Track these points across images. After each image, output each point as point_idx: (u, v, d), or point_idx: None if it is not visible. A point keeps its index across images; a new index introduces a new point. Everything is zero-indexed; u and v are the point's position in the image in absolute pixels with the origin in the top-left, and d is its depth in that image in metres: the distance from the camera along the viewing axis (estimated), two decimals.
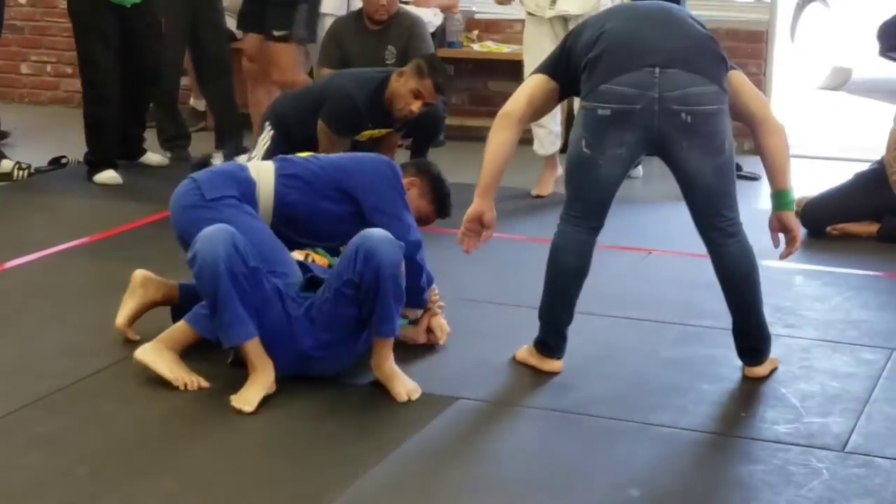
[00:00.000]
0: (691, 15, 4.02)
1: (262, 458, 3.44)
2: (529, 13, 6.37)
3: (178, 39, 6.95)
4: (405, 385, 3.86)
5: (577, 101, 4.25)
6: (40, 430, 3.58)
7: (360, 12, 6.71)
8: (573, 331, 4.47)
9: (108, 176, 6.56)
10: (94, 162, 6.63)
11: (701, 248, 4.02)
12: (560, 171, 6.52)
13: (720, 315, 4.59)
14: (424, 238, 4.28)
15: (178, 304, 4.19)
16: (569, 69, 3.96)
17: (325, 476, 3.34)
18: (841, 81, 10.42)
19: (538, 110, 4.10)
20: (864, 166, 6.03)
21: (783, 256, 4.07)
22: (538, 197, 6.47)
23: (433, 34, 7.01)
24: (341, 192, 4.28)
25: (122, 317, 4.22)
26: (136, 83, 6.70)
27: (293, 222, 4.26)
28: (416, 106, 5.68)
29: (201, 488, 3.28)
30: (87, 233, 5.60)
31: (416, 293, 4.14)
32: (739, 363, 4.12)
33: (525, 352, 4.13)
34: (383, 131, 5.90)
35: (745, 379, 4.01)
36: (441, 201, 4.58)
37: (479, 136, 7.95)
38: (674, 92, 3.74)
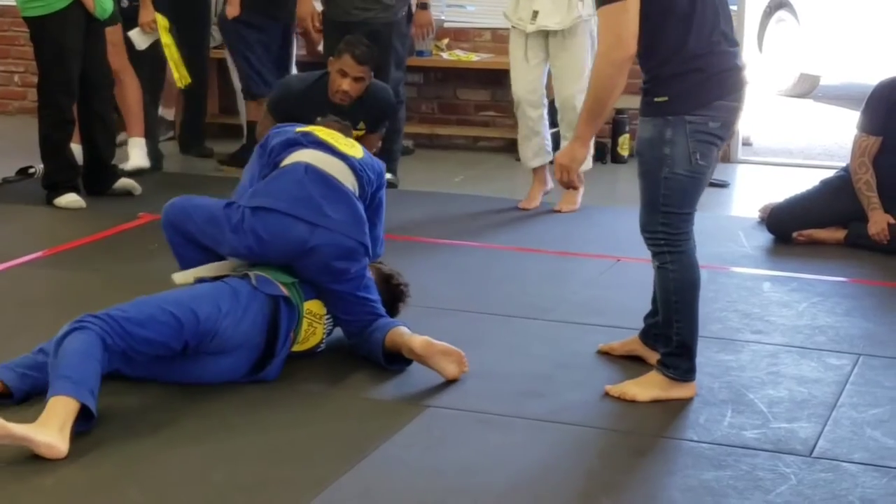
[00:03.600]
0: None
1: (230, 467, 3.42)
2: (512, 25, 6.35)
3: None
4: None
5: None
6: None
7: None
8: (542, 338, 4.49)
9: (70, 199, 6.24)
10: (55, 185, 6.31)
11: None
12: (550, 185, 6.35)
13: None
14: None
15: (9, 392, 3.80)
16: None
17: (293, 485, 3.33)
18: (808, 89, 10.49)
19: None
20: (831, 173, 6.06)
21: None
22: (525, 209, 6.34)
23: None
24: None
25: None
26: (96, 96, 6.39)
27: None
28: (345, 84, 5.77)
29: (167, 499, 3.26)
30: (52, 243, 5.57)
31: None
32: (708, 369, 4.13)
33: (658, 388, 3.87)
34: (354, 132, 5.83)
35: (713, 386, 4.02)
36: None
37: (449, 145, 8.00)
38: None
